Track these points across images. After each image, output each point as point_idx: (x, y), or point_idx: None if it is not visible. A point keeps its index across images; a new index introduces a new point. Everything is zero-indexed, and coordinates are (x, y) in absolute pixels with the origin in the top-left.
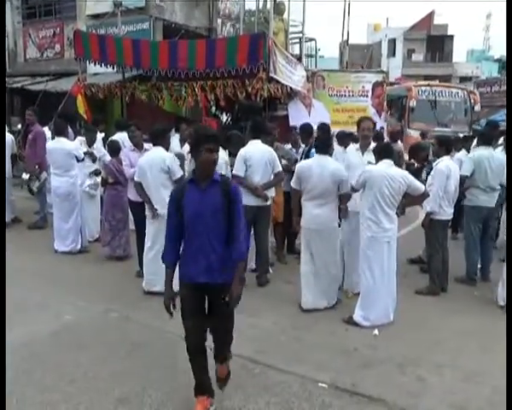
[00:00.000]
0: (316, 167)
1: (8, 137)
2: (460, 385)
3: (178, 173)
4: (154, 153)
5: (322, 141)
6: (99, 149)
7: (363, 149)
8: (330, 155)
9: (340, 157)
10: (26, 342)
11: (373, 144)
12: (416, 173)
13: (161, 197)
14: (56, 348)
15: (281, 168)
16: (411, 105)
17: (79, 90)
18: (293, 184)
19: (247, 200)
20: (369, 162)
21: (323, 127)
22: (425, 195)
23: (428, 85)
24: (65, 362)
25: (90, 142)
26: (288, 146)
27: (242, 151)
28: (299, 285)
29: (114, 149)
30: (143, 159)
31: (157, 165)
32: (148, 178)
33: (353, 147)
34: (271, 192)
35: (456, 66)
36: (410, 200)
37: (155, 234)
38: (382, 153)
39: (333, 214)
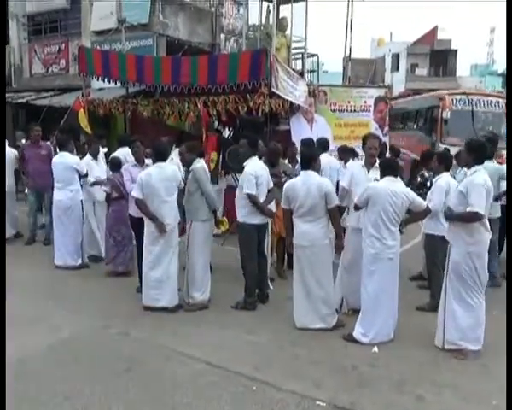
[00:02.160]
0: (301, 185)
1: (11, 151)
2: (459, 405)
3: (182, 183)
4: (163, 168)
5: (305, 157)
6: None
7: (369, 166)
8: (318, 170)
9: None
10: (21, 357)
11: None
12: (419, 188)
13: (174, 211)
14: (52, 364)
15: (272, 184)
16: (445, 117)
17: (80, 105)
18: (282, 204)
19: (254, 219)
20: (376, 180)
21: (306, 142)
22: (427, 211)
23: (464, 94)
24: (60, 378)
25: (95, 154)
26: (285, 161)
27: (251, 170)
28: None
29: (116, 164)
30: (150, 176)
31: (172, 180)
32: (160, 194)
33: (358, 163)
34: (273, 208)
35: (459, 80)
36: (413, 216)
37: (161, 252)
38: (386, 169)
39: (323, 231)
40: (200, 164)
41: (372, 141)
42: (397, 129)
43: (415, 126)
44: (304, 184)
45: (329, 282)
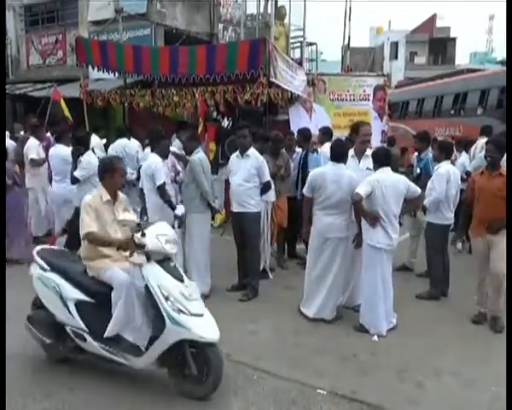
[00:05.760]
0: (332, 176)
1: (11, 144)
2: (459, 391)
3: (159, 180)
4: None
5: (337, 148)
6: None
7: (360, 155)
8: (345, 163)
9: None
10: (26, 349)
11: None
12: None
13: (152, 203)
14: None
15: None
16: None
17: (59, 95)
18: (306, 192)
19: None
20: (368, 169)
21: (302, 132)
22: (420, 197)
23: None
24: (66, 370)
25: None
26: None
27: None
28: (299, 290)
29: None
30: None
31: (145, 172)
32: (144, 185)
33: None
34: (272, 197)
35: (458, 68)
36: (408, 205)
37: None
38: (382, 160)
39: (346, 223)
40: (197, 155)
41: (366, 128)
42: (447, 116)
43: (479, 111)
44: (335, 175)
45: (347, 273)
